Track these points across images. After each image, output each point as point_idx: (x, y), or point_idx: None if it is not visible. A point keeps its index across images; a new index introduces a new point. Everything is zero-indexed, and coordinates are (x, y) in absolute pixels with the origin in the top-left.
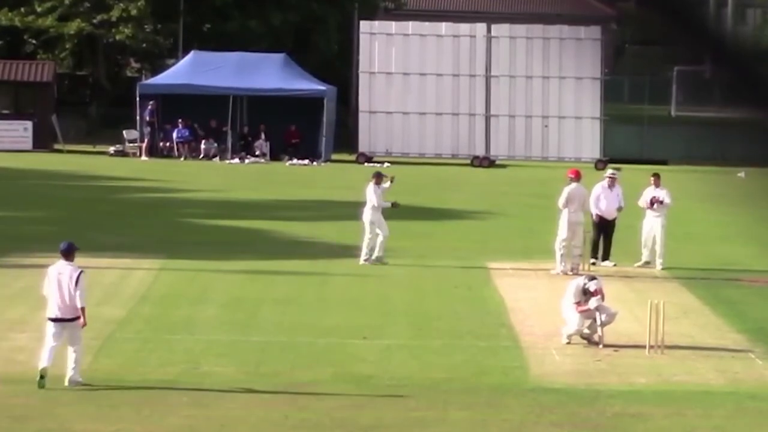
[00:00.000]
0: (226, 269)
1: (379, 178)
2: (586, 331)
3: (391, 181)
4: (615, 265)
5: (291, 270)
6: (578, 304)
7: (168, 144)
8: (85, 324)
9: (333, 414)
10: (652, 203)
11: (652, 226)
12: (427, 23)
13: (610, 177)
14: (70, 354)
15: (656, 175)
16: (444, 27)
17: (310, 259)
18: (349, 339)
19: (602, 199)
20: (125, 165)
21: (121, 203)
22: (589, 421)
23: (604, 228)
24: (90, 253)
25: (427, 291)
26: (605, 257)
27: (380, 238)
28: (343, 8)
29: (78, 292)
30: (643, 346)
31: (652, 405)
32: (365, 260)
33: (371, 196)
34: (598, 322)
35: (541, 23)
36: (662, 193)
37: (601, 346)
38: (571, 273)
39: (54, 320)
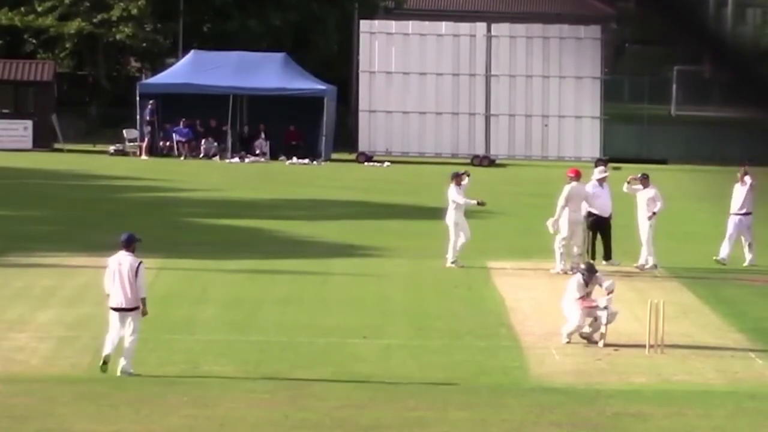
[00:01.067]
0: (226, 269)
1: (458, 178)
2: (587, 329)
3: (468, 177)
4: (620, 264)
5: (291, 270)
6: (582, 299)
7: (168, 143)
8: (145, 313)
9: (333, 414)
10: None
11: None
12: (427, 23)
13: (599, 179)
14: (125, 344)
15: (645, 177)
16: (444, 26)
17: (310, 259)
18: (349, 339)
19: (596, 197)
20: (125, 164)
21: (121, 202)
22: (589, 420)
23: (600, 227)
24: (90, 252)
25: (427, 291)
26: (608, 257)
27: (462, 240)
28: (343, 8)
29: (138, 283)
30: (643, 346)
31: (652, 404)
32: (452, 263)
33: (455, 196)
34: (603, 321)
35: (541, 23)
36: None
37: (601, 344)
38: (571, 272)
39: (116, 310)
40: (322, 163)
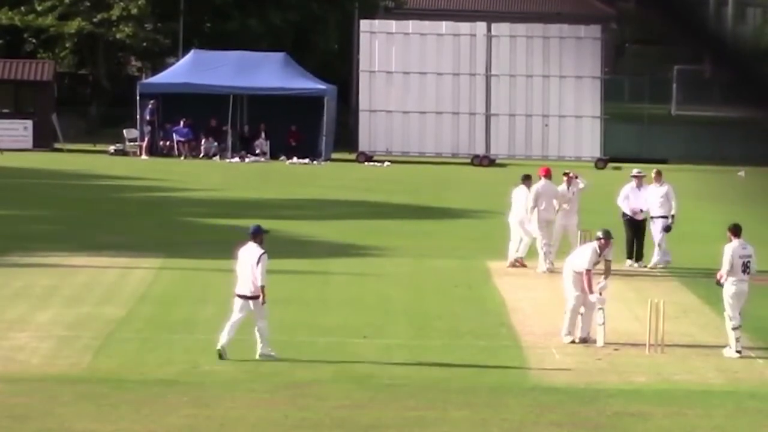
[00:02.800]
0: (226, 268)
1: (529, 180)
2: (582, 332)
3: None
4: (646, 266)
5: (291, 269)
6: (588, 272)
7: (168, 143)
8: (264, 302)
9: (333, 413)
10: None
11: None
12: (427, 22)
13: (636, 176)
14: (257, 330)
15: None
16: (444, 26)
17: (309, 258)
18: (349, 338)
19: (630, 198)
20: (125, 164)
21: (121, 202)
22: (589, 420)
23: (634, 228)
24: (90, 252)
25: (427, 290)
26: (639, 258)
27: (526, 240)
28: (343, 7)
29: (258, 272)
30: (643, 345)
31: (652, 404)
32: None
33: (524, 199)
34: (600, 321)
35: (542, 22)
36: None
37: (600, 343)
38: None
39: (239, 296)
40: (323, 162)
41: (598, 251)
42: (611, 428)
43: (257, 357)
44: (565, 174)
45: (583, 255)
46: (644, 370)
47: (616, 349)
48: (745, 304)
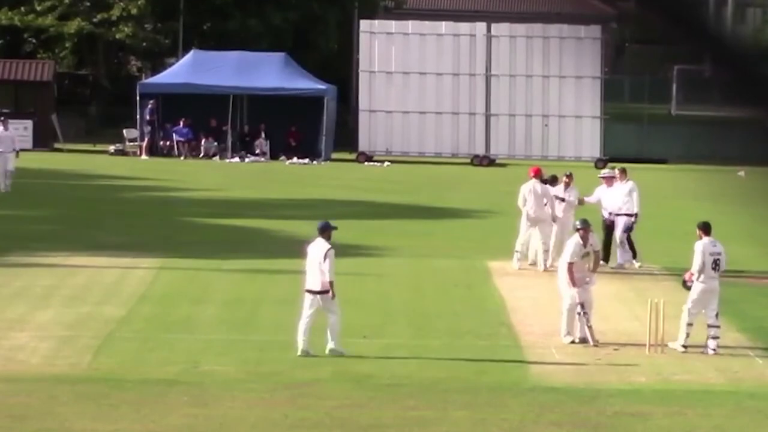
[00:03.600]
0: (226, 268)
1: (555, 181)
2: (582, 332)
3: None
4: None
5: (291, 269)
6: (570, 265)
7: (168, 143)
8: (333, 296)
9: (333, 413)
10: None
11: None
12: (427, 22)
13: (603, 177)
14: (329, 326)
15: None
16: (444, 26)
17: None
18: (349, 338)
19: (605, 199)
20: (125, 164)
21: (121, 202)
22: (589, 420)
23: (609, 230)
24: (90, 252)
25: (427, 290)
26: (606, 259)
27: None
28: (343, 7)
29: (326, 267)
30: (644, 345)
31: (652, 404)
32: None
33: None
34: (587, 323)
35: (541, 22)
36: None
37: (592, 343)
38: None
39: (308, 292)
40: (322, 162)
41: (582, 242)
42: (611, 428)
43: (326, 353)
44: (566, 176)
45: (566, 249)
46: (644, 370)
47: (616, 349)
48: (719, 303)
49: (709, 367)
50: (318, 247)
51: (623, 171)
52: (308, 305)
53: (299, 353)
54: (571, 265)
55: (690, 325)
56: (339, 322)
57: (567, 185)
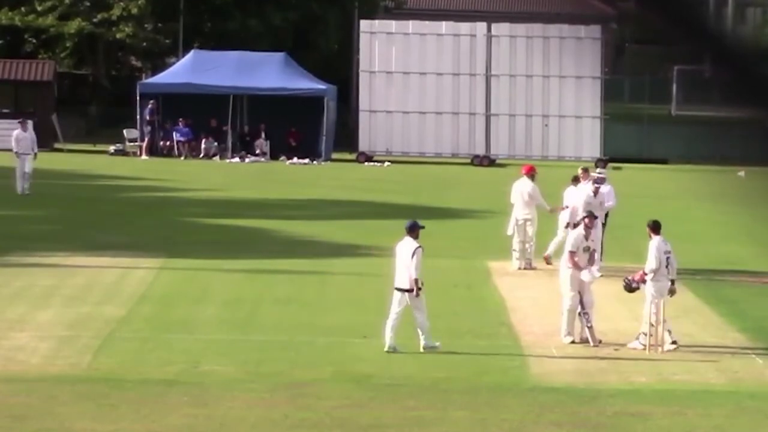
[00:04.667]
0: (226, 268)
1: (577, 180)
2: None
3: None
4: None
5: (291, 269)
6: (572, 253)
7: (168, 143)
8: (417, 294)
9: (333, 413)
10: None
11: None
12: (427, 22)
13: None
14: (417, 323)
15: (585, 171)
16: (444, 26)
17: (310, 259)
18: (349, 338)
19: (569, 199)
20: (125, 164)
21: (121, 202)
22: (589, 420)
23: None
24: (90, 252)
25: (427, 290)
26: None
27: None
28: (343, 7)
29: (412, 265)
30: (644, 345)
31: (652, 404)
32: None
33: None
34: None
35: (541, 22)
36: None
37: (592, 344)
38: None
39: (397, 290)
40: (323, 163)
41: (584, 233)
42: (611, 428)
43: (421, 350)
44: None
45: (568, 238)
46: (644, 370)
47: (616, 349)
48: (667, 301)
49: (709, 367)
50: (406, 246)
51: (585, 170)
52: (396, 302)
53: (386, 349)
54: (572, 253)
55: (664, 321)
56: (426, 319)
57: (577, 181)
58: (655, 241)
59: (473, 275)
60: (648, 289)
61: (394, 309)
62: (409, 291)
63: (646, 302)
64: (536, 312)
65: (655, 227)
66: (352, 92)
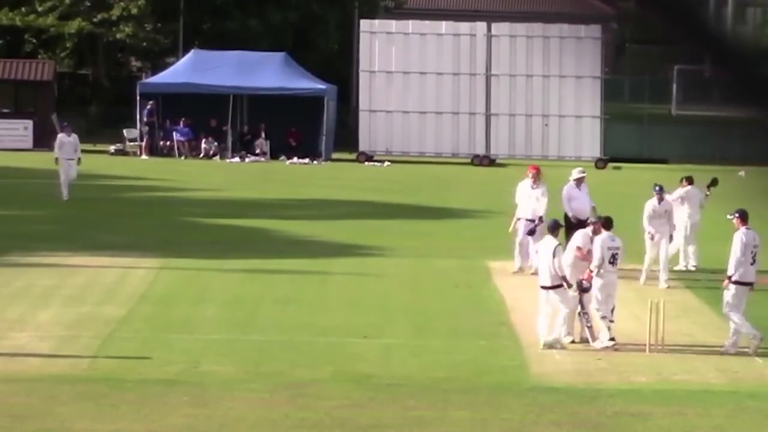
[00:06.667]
0: (226, 268)
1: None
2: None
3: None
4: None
5: (291, 269)
6: (579, 249)
7: (168, 143)
8: (569, 286)
9: (333, 413)
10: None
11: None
12: (427, 22)
13: (576, 180)
14: (557, 317)
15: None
16: (444, 26)
17: (310, 258)
18: (349, 338)
19: (573, 198)
20: (125, 164)
21: (121, 202)
22: (589, 420)
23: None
24: (90, 252)
25: (427, 290)
26: None
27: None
28: (343, 7)
29: (555, 263)
30: (644, 345)
31: (652, 404)
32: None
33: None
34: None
35: (542, 22)
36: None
37: (592, 343)
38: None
39: (542, 288)
40: (323, 162)
41: (591, 236)
42: (611, 428)
43: (541, 347)
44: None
45: (574, 238)
46: (644, 369)
47: (616, 349)
48: (615, 297)
49: (709, 366)
50: (546, 245)
51: (536, 172)
52: (544, 301)
53: (541, 347)
54: (579, 249)
55: (604, 318)
56: (568, 318)
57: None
58: (601, 237)
59: (473, 275)
60: (594, 285)
61: (543, 308)
62: (555, 288)
63: (592, 298)
64: (536, 312)
65: (605, 223)
66: (352, 92)
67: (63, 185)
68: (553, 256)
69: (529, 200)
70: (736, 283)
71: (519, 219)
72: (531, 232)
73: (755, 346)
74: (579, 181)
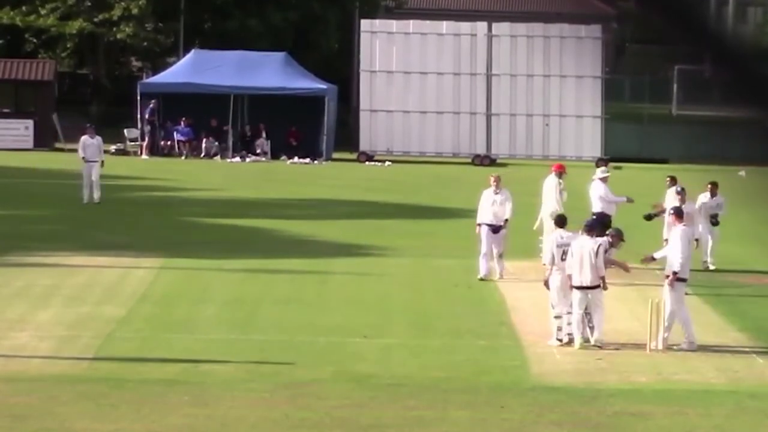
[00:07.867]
0: (227, 268)
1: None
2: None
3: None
4: None
5: (291, 269)
6: (606, 251)
7: (169, 143)
8: (605, 288)
9: (333, 413)
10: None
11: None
12: (428, 22)
13: (601, 179)
14: (594, 319)
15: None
16: (445, 25)
17: (310, 258)
18: (350, 338)
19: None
20: (126, 164)
21: (121, 202)
22: (590, 420)
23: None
24: (90, 252)
25: (428, 290)
26: None
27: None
28: (343, 7)
29: (598, 263)
30: (644, 345)
31: (652, 404)
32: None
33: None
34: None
35: (542, 22)
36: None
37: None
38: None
39: (577, 288)
40: (323, 162)
41: (608, 246)
42: (611, 428)
43: (592, 343)
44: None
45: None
46: (644, 369)
47: (616, 349)
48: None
49: (709, 366)
50: (585, 245)
51: (497, 178)
52: (577, 301)
53: (577, 347)
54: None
55: (558, 317)
56: (602, 320)
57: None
58: (553, 235)
59: (473, 275)
60: (552, 281)
61: (580, 309)
62: (591, 288)
63: (550, 294)
64: (536, 312)
65: (559, 221)
66: (353, 92)
67: (85, 187)
68: (596, 255)
69: (492, 206)
70: (680, 280)
71: (480, 225)
72: (496, 231)
73: (688, 346)
74: (604, 180)
